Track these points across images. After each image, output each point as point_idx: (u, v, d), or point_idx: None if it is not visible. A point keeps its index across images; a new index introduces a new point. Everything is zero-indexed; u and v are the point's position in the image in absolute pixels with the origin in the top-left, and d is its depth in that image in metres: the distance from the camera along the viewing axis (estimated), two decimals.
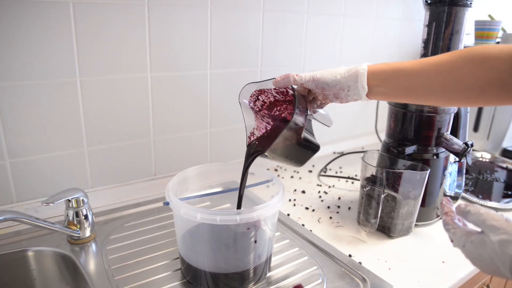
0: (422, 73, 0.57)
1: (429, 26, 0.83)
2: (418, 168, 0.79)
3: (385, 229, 0.81)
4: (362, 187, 0.82)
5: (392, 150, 0.82)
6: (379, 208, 0.77)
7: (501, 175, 1.23)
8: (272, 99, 0.65)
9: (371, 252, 0.75)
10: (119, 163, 0.91)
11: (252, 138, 0.65)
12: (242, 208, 0.80)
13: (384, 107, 1.45)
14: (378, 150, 0.91)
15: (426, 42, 0.84)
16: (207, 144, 1.04)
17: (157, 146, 0.95)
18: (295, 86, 0.60)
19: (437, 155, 0.83)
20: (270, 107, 0.65)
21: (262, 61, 1.07)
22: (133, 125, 0.90)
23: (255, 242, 0.60)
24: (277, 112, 0.65)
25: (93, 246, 0.75)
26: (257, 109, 0.66)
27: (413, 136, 0.83)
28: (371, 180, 0.80)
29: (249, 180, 0.75)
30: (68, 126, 0.82)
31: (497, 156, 1.38)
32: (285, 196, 0.62)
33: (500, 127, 1.42)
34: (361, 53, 1.32)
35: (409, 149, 0.81)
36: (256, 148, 0.62)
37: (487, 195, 1.06)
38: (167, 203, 0.59)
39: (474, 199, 1.02)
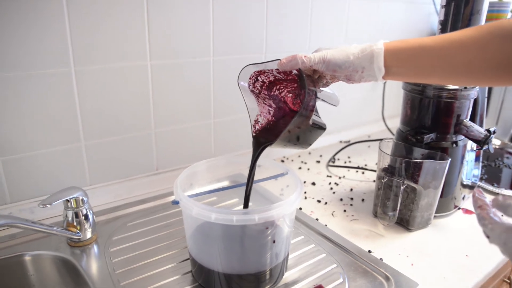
0: (445, 50, 0.52)
1: (446, 6, 0.78)
2: (437, 157, 0.75)
3: (403, 222, 0.77)
4: (379, 178, 0.78)
5: (410, 139, 0.78)
6: (399, 200, 0.73)
7: None
8: (272, 78, 0.59)
9: (390, 247, 0.71)
10: (119, 157, 0.86)
11: (257, 127, 0.60)
12: (252, 205, 0.76)
13: (391, 92, 1.41)
14: (393, 138, 0.86)
15: (443, 24, 0.79)
16: (210, 135, 0.99)
17: (159, 139, 0.90)
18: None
19: (456, 143, 0.79)
20: (270, 86, 0.60)
21: (267, 47, 1.01)
22: (132, 117, 0.85)
23: (274, 242, 0.55)
24: (277, 92, 0.59)
25: (95, 248, 0.70)
26: (257, 91, 0.60)
27: (431, 123, 0.78)
28: (389, 171, 0.75)
29: (259, 174, 0.70)
30: (63, 120, 0.76)
31: (507, 142, 1.34)
32: (303, 190, 0.58)
33: (509, 113, 1.38)
34: (367, 36, 1.26)
35: (427, 137, 0.77)
36: (263, 139, 0.57)
37: (502, 183, 1.02)
38: (176, 202, 0.54)
39: (490, 187, 0.98)
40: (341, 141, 1.29)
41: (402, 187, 0.72)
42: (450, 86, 0.75)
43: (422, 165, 0.71)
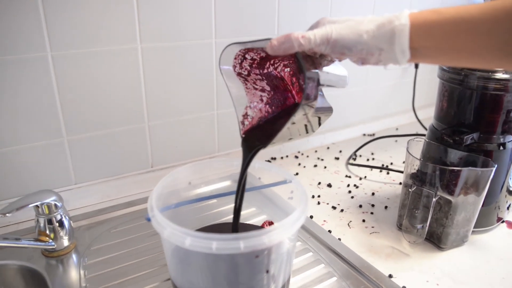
0: (495, 23, 0.38)
1: None
2: (479, 163, 0.61)
3: (434, 239, 0.64)
4: (406, 185, 0.65)
5: (446, 139, 0.64)
6: (429, 214, 0.60)
7: None
8: (263, 54, 0.46)
9: (417, 271, 0.59)
10: (108, 153, 0.76)
11: (246, 123, 0.49)
12: (254, 210, 0.65)
13: (424, 78, 1.25)
14: (424, 136, 0.73)
15: None
16: (214, 128, 0.88)
17: (154, 132, 0.80)
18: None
19: (503, 145, 0.64)
20: (261, 63, 0.47)
21: (279, 27, 0.88)
22: (122, 109, 0.75)
23: (267, 271, 0.44)
24: (271, 68, 0.47)
25: (73, 258, 0.62)
26: (246, 73, 0.48)
27: (473, 120, 0.64)
28: (418, 178, 0.62)
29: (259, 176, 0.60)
30: (42, 112, 0.67)
31: None
32: (308, 206, 0.46)
33: None
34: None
35: (468, 138, 0.63)
36: (256, 141, 0.46)
37: None
38: (149, 219, 0.44)
39: None
40: (364, 134, 1.15)
41: (434, 199, 0.59)
42: (500, 75, 0.60)
43: (460, 173, 0.58)
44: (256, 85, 0.48)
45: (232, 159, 0.57)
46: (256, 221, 0.67)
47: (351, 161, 0.97)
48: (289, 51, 0.41)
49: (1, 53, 0.61)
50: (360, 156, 1.01)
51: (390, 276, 0.57)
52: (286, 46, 0.41)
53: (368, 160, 0.98)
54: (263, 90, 0.48)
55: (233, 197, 0.64)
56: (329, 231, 0.67)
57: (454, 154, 0.64)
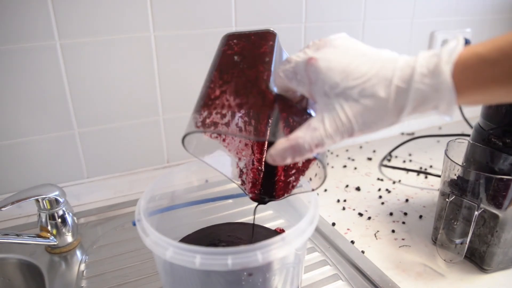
0: None
1: None
2: None
3: (475, 258, 0.55)
4: (443, 194, 0.56)
5: (494, 141, 0.54)
6: (470, 229, 0.51)
7: None
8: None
9: None
10: (121, 147, 0.73)
11: (244, 179, 0.44)
12: (271, 213, 0.59)
13: None
14: (468, 136, 0.63)
15: None
16: None
17: (169, 126, 0.76)
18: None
19: None
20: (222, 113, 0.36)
21: (307, 14, 0.81)
22: (135, 100, 0.71)
23: None
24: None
25: (77, 255, 0.59)
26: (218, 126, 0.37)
27: None
28: (458, 186, 0.53)
29: None
30: (51, 103, 0.65)
31: None
32: (315, 220, 0.39)
33: None
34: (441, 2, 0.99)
35: None
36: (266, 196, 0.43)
37: None
38: (134, 223, 0.39)
39: None
40: (402, 133, 1.05)
41: (476, 212, 0.50)
42: None
43: (510, 183, 0.49)
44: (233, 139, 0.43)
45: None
46: (272, 225, 0.61)
47: (385, 162, 0.88)
48: (295, 161, 0.33)
49: (6, 42, 0.59)
50: (396, 157, 0.91)
51: None
52: (294, 158, 0.32)
53: (404, 161, 0.89)
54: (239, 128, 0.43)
55: (238, 199, 0.58)
56: (352, 242, 0.60)
57: (504, 160, 0.54)
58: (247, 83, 0.35)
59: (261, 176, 0.45)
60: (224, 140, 0.44)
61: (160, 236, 0.35)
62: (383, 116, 0.30)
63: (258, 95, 0.34)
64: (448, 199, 0.53)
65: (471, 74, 0.28)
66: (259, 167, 0.45)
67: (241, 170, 0.45)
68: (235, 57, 0.38)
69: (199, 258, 0.33)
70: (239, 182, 0.44)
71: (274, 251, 0.34)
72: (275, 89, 0.35)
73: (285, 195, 0.43)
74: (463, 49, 0.28)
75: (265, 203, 0.45)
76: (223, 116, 0.34)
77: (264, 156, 0.45)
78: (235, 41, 0.40)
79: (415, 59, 0.30)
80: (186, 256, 0.33)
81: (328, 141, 0.31)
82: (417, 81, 0.29)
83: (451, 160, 0.54)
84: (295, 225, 0.37)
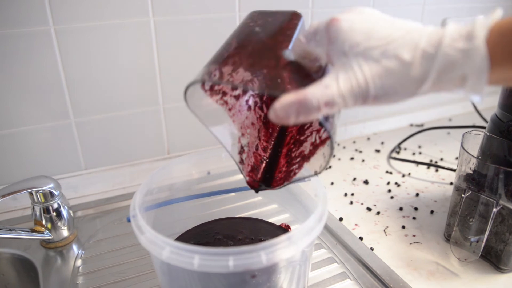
0: None
1: None
2: None
3: (491, 257, 0.52)
4: (458, 189, 0.53)
5: None
6: (488, 227, 0.48)
7: None
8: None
9: None
10: (120, 138, 0.70)
11: (244, 157, 0.40)
12: (276, 207, 0.57)
13: None
14: (484, 128, 0.60)
15: None
16: None
17: (170, 116, 0.73)
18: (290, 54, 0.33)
19: None
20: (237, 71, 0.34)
21: (313, 4, 0.77)
22: (134, 89, 0.68)
23: None
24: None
25: (74, 250, 0.57)
26: (228, 84, 0.36)
27: None
28: (474, 181, 0.50)
29: None
30: (46, 91, 0.62)
31: None
32: (325, 215, 0.37)
33: None
34: None
35: None
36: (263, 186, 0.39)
37: None
38: (129, 220, 0.36)
39: None
40: (411, 125, 1.02)
41: (495, 209, 0.47)
42: None
43: None
44: (236, 90, 0.39)
45: None
46: (277, 220, 0.58)
47: (394, 154, 0.85)
48: (303, 120, 0.29)
49: (4, 27, 0.56)
50: (405, 149, 0.88)
51: None
52: (299, 116, 0.28)
53: (414, 154, 0.86)
54: (244, 92, 0.39)
55: (241, 193, 0.56)
56: (360, 238, 0.57)
57: None
58: (264, 49, 0.33)
59: (263, 165, 0.42)
60: (230, 109, 0.40)
61: (156, 235, 0.33)
62: (404, 83, 0.27)
63: (272, 58, 0.31)
64: (464, 194, 0.50)
65: (509, 42, 0.24)
66: (264, 156, 0.42)
67: (242, 147, 0.41)
68: (256, 28, 0.35)
69: (198, 259, 0.30)
70: (238, 159, 0.41)
71: (280, 252, 0.31)
72: (292, 57, 0.32)
73: (285, 183, 0.40)
74: (499, 18, 0.25)
75: (260, 190, 0.42)
76: (233, 70, 0.31)
77: (270, 145, 0.42)
78: (259, 16, 0.37)
79: (445, 27, 0.26)
80: (184, 257, 0.31)
81: (339, 101, 0.28)
82: (446, 45, 0.25)
83: (468, 153, 0.50)
84: (303, 223, 0.34)
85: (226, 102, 0.39)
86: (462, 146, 0.52)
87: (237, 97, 0.39)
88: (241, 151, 0.41)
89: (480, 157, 0.55)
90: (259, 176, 0.42)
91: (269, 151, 0.42)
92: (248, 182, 0.41)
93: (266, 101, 0.41)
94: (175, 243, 0.31)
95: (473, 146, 0.56)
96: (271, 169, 0.42)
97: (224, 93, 0.39)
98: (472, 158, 0.51)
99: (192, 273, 0.33)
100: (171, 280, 0.36)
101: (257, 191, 0.42)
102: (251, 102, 0.38)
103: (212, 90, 0.38)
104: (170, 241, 0.32)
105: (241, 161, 0.41)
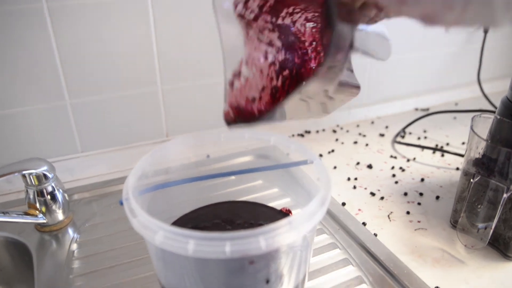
0: None
1: None
2: None
3: (499, 244, 0.51)
4: (467, 173, 0.51)
5: None
6: (497, 213, 0.46)
7: None
8: None
9: (473, 284, 0.46)
10: (117, 120, 0.69)
11: (236, 85, 0.36)
12: (277, 191, 0.55)
13: (494, 46, 1.05)
14: (493, 112, 0.57)
15: None
16: None
17: (168, 97, 0.71)
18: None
19: None
20: (276, 8, 0.33)
21: None
22: (131, 69, 0.66)
23: (267, 282, 0.34)
24: (288, 18, 0.34)
25: (69, 234, 0.55)
26: (251, 17, 0.35)
27: None
28: (484, 165, 0.48)
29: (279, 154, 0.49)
30: (39, 71, 0.60)
31: None
32: (328, 199, 0.35)
33: None
34: None
35: None
36: (238, 119, 0.35)
37: None
38: (121, 203, 0.35)
39: None
40: (416, 109, 0.99)
41: (505, 195, 0.45)
42: None
43: None
44: (263, 35, 0.36)
45: (243, 131, 0.47)
46: (277, 204, 0.56)
47: (399, 139, 0.83)
48: None
49: None
50: (410, 133, 0.86)
51: None
52: None
53: (419, 139, 0.84)
54: (270, 44, 0.36)
55: (241, 176, 0.54)
56: (364, 224, 0.56)
57: None
58: None
59: (253, 107, 0.37)
60: (247, 29, 0.35)
61: (149, 218, 0.31)
62: None
63: None
64: (472, 179, 0.48)
65: None
66: (260, 84, 0.38)
67: (239, 72, 0.37)
68: None
69: (193, 244, 0.29)
70: (229, 78, 0.36)
71: (280, 237, 0.30)
72: None
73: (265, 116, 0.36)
74: None
75: (232, 125, 0.37)
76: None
77: (274, 76, 0.38)
78: None
79: None
80: (178, 242, 0.29)
81: None
82: None
83: (479, 136, 0.48)
84: (304, 207, 0.32)
85: (246, 28, 0.35)
86: (472, 129, 0.50)
87: (255, 28, 0.35)
88: (237, 75, 0.37)
89: (488, 141, 0.53)
90: (240, 90, 0.37)
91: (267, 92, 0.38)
92: (224, 113, 0.37)
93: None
94: (168, 227, 0.30)
95: (482, 130, 0.54)
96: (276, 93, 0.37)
97: (247, 23, 0.35)
98: (481, 142, 0.49)
99: (187, 259, 0.31)
100: (166, 266, 0.35)
101: (229, 125, 0.37)
102: (261, 42, 0.34)
103: (245, 7, 0.34)
104: (163, 225, 0.30)
105: (231, 84, 0.37)
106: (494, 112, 0.57)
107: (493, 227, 0.47)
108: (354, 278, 0.46)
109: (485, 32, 0.99)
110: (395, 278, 0.46)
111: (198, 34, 0.68)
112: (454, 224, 0.55)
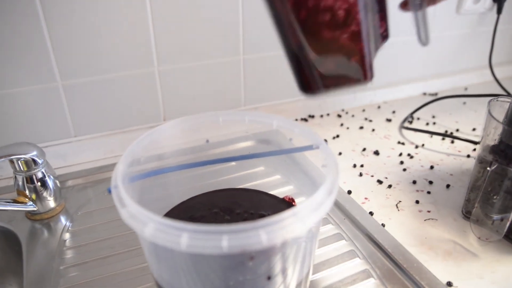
0: None
1: None
2: None
3: None
4: (482, 161, 0.48)
5: None
6: None
7: None
8: None
9: (488, 279, 0.43)
10: (112, 102, 0.65)
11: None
12: (279, 178, 0.52)
13: (507, 28, 1.01)
14: (505, 96, 0.54)
15: None
16: (239, 76, 0.74)
17: (165, 79, 0.67)
18: None
19: None
20: None
21: None
22: (126, 49, 0.62)
23: (269, 278, 0.31)
24: None
25: (61, 222, 0.53)
26: None
27: None
28: (501, 152, 0.45)
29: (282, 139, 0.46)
30: (29, 50, 0.56)
31: None
32: (336, 188, 0.32)
33: None
34: None
35: None
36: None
37: None
38: (109, 190, 0.32)
39: None
40: (425, 93, 0.96)
41: None
42: None
43: None
44: None
45: (243, 113, 0.43)
46: (280, 192, 0.53)
47: (406, 124, 0.80)
48: None
49: None
50: (418, 119, 0.82)
51: (449, 284, 0.42)
52: None
53: (427, 124, 0.80)
54: None
55: (241, 163, 0.51)
56: (371, 213, 0.53)
57: None
58: None
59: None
60: None
61: (139, 208, 0.28)
62: None
63: None
64: (489, 167, 0.45)
65: None
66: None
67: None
68: None
69: (186, 237, 0.26)
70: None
71: (283, 231, 0.27)
72: None
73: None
74: None
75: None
76: None
77: None
78: None
79: None
80: (170, 235, 0.26)
81: None
82: None
83: (497, 121, 0.45)
84: (310, 196, 0.29)
85: None
86: (489, 113, 0.46)
87: None
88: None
89: (505, 127, 0.49)
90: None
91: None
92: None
93: None
94: (159, 218, 0.27)
95: (498, 115, 0.50)
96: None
97: None
98: (499, 127, 0.46)
99: (181, 253, 0.28)
100: (159, 261, 0.32)
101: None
102: None
103: None
104: (154, 216, 0.27)
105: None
106: (508, 95, 0.54)
107: (510, 218, 0.44)
108: (361, 271, 0.43)
109: (498, 13, 0.94)
110: (405, 272, 0.43)
111: (196, 12, 0.64)
112: (466, 214, 0.52)
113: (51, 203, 0.53)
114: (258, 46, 0.72)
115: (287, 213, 0.27)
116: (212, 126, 0.44)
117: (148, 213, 0.27)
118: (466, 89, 1.00)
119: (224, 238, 0.25)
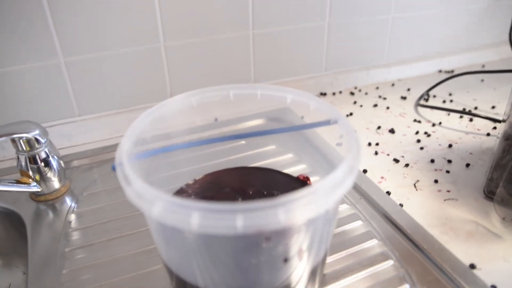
0: None
1: None
2: None
3: None
4: (508, 138, 0.45)
5: None
6: None
7: None
8: None
9: None
10: (117, 80, 0.63)
11: None
12: (292, 157, 0.50)
13: None
14: None
15: None
16: (248, 52, 0.71)
17: (171, 55, 0.65)
18: None
19: None
20: None
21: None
22: (130, 23, 0.60)
23: (285, 260, 0.29)
24: None
25: (67, 203, 0.51)
26: None
27: None
28: None
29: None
30: (27, 25, 0.54)
31: None
32: (359, 160, 0.29)
33: None
34: None
35: None
36: None
37: None
38: (114, 167, 0.30)
39: None
40: (440, 71, 0.92)
41: None
42: None
43: None
44: None
45: (255, 86, 0.41)
46: (293, 171, 0.51)
47: (422, 102, 0.77)
48: None
49: None
50: (434, 96, 0.79)
51: (472, 266, 0.40)
52: None
53: (444, 102, 0.77)
54: None
55: (252, 140, 0.49)
56: (388, 193, 0.50)
57: None
58: None
59: None
60: None
61: (146, 186, 0.26)
62: None
63: None
64: None
65: None
66: None
67: None
68: None
69: (197, 217, 0.24)
70: None
71: (302, 210, 0.24)
72: None
73: None
74: None
75: None
76: None
77: None
78: None
79: None
80: (180, 214, 0.24)
81: None
82: None
83: None
84: (329, 174, 0.27)
85: None
86: None
87: None
88: None
89: None
90: None
91: None
92: None
93: None
94: (168, 197, 0.25)
95: None
96: None
97: None
98: None
99: (191, 234, 0.26)
100: (167, 243, 0.30)
101: None
102: None
103: None
104: (162, 194, 0.25)
105: None
106: None
107: None
108: (380, 253, 0.41)
109: None
110: (425, 253, 0.41)
111: None
112: (488, 194, 0.50)
113: (56, 183, 0.51)
114: (268, 21, 0.68)
115: (305, 191, 0.25)
116: (222, 102, 0.42)
117: (155, 191, 0.25)
118: (483, 66, 0.96)
119: (239, 217, 0.23)
